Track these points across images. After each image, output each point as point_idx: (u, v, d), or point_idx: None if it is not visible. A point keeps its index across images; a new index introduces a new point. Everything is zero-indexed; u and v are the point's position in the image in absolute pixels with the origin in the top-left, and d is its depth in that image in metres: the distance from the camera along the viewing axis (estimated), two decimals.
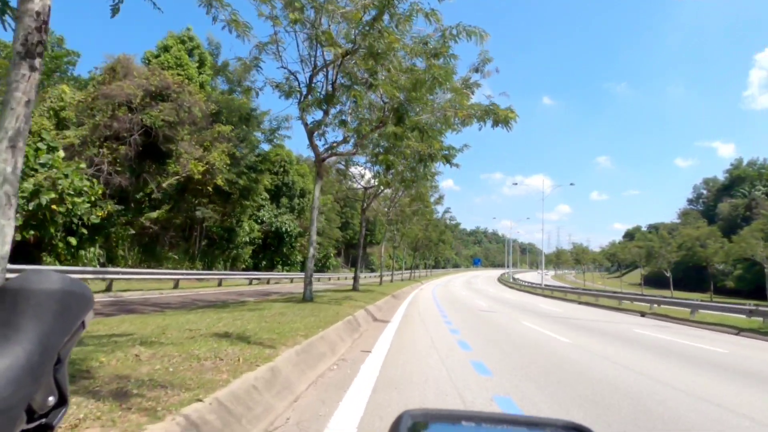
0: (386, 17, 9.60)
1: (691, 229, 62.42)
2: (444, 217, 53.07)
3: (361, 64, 10.14)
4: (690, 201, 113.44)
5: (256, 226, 37.32)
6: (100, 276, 16.43)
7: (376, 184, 21.59)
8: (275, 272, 37.18)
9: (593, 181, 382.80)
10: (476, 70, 13.16)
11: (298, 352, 5.06)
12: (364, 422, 3.69)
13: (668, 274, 56.32)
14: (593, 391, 5.34)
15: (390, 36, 9.35)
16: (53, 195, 15.23)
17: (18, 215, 14.02)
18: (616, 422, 4.17)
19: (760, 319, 16.35)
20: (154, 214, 24.73)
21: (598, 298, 30.45)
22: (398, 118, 11.21)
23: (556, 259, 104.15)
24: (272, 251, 41.50)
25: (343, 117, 11.80)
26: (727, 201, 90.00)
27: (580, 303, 29.82)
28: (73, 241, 17.43)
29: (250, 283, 28.09)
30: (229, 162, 26.82)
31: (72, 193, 15.98)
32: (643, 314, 22.43)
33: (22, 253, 15.23)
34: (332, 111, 11.94)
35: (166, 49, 26.88)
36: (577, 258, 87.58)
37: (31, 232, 15.38)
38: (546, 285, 47.01)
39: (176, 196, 26.78)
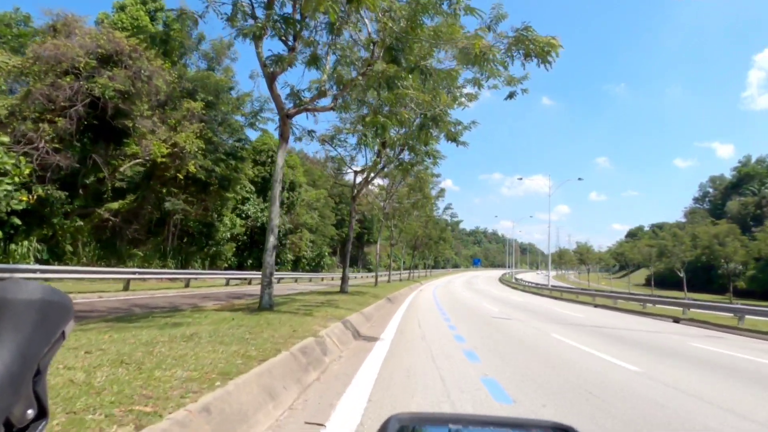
0: None
1: (706, 226, 58.83)
2: (445, 214, 49.75)
3: None
4: (696, 200, 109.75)
5: (240, 221, 34.02)
6: (36, 275, 13.23)
7: (370, 164, 18.32)
8: (259, 271, 33.91)
9: (592, 181, 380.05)
10: (488, 29, 9.90)
11: None
12: None
13: (681, 274, 53.20)
14: None
15: None
16: None
17: None
18: None
19: None
20: (115, 205, 21.42)
21: (616, 301, 27.38)
22: (391, 57, 8.03)
23: (560, 259, 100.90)
24: (259, 249, 38.20)
25: (318, 51, 8.48)
26: (737, 199, 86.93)
27: (595, 306, 26.76)
28: None
29: (227, 284, 24.84)
30: (203, 146, 23.53)
31: None
32: (676, 320, 19.32)
33: None
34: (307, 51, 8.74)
35: (122, 8, 23.40)
36: (581, 258, 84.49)
37: None
38: (553, 286, 43.97)
39: (142, 184, 23.48)
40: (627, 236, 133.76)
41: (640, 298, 26.76)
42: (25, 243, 15.85)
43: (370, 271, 61.64)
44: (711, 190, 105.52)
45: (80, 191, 18.67)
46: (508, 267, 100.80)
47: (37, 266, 14.32)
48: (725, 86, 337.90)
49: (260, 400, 3.22)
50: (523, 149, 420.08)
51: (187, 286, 20.59)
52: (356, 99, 10.83)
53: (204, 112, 23.06)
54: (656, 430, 3.81)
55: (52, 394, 3.16)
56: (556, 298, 34.04)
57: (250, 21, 7.97)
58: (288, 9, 8.10)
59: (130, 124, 18.39)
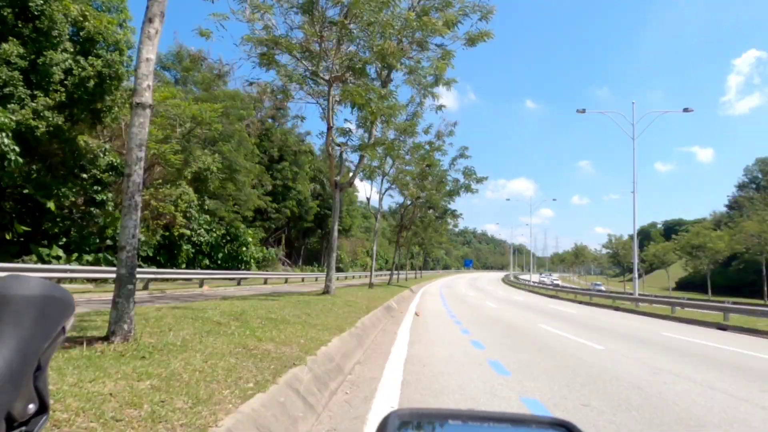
0: None
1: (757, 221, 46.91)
2: (454, 168, 29.15)
3: None
4: (739, 187, 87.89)
5: None
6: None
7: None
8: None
9: (575, 185, 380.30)
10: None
11: None
12: None
13: (708, 275, 48.60)
14: None
15: None
16: None
17: None
18: None
19: None
20: None
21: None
22: None
23: (560, 262, 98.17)
24: None
25: None
26: None
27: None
28: None
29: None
30: None
31: None
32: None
33: None
34: None
35: None
36: (580, 258, 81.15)
37: None
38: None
39: None
40: (628, 236, 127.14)
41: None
42: None
43: (340, 270, 43.14)
44: (759, 175, 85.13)
45: None
46: (511, 269, 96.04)
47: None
48: (705, 91, 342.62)
49: None
50: (506, 151, 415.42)
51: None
52: None
53: None
54: None
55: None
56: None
57: None
58: None
59: None
